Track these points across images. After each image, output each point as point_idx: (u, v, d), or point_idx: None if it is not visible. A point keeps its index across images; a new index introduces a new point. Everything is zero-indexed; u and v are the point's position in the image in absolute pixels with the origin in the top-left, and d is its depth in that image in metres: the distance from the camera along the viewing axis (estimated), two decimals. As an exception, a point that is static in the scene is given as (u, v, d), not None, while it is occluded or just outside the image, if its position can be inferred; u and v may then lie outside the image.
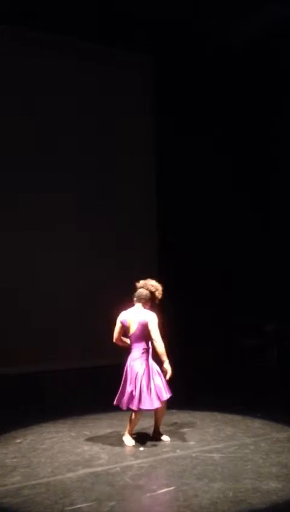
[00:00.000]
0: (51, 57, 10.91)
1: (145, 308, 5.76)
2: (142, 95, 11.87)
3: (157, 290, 5.83)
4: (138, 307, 5.78)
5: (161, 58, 11.71)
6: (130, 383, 5.63)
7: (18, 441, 5.99)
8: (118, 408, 6.88)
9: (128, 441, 5.73)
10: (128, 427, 5.78)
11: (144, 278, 5.92)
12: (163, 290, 5.88)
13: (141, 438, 5.85)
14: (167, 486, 4.59)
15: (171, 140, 11.60)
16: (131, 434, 5.78)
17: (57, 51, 10.97)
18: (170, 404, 5.89)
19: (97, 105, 11.31)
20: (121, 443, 5.75)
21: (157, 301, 5.89)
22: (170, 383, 5.73)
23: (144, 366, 5.62)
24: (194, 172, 11.53)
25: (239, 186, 11.58)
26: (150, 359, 5.68)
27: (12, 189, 10.54)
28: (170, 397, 5.68)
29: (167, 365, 5.55)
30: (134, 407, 5.58)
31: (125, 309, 5.85)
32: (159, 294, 5.84)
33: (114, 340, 5.91)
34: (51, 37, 10.80)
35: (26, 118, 10.66)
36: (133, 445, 5.64)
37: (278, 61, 11.05)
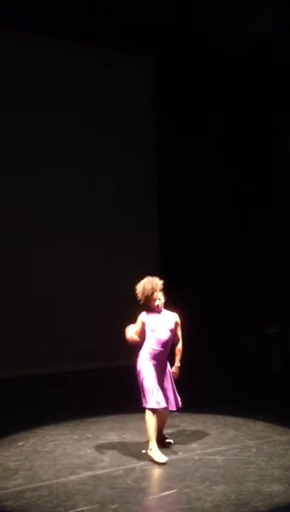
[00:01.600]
0: (52, 59, 10.88)
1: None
2: (143, 97, 11.84)
3: (137, 289, 5.57)
4: None
5: (161, 60, 11.72)
6: None
7: (20, 443, 5.99)
8: (119, 410, 6.92)
9: (158, 456, 5.23)
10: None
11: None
12: (147, 289, 5.49)
13: (144, 442, 5.85)
14: (169, 489, 4.58)
15: (172, 142, 11.61)
16: (157, 442, 5.40)
17: (58, 53, 10.96)
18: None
19: (98, 108, 11.31)
20: (123, 446, 5.75)
21: (143, 301, 5.56)
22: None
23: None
24: (195, 173, 11.52)
25: (241, 187, 11.58)
26: (146, 360, 5.51)
27: (12, 190, 10.55)
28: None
29: None
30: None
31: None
32: (138, 294, 5.55)
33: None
34: (51, 39, 10.77)
35: (26, 118, 10.63)
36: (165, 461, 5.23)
37: (280, 62, 11.01)
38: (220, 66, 11.57)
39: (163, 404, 5.32)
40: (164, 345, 5.50)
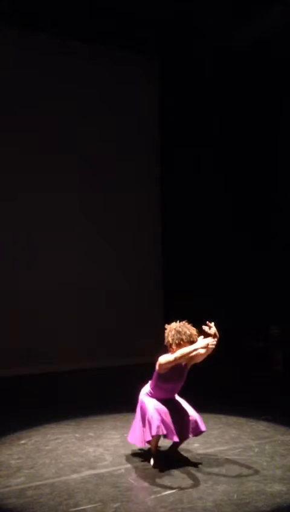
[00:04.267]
0: (52, 58, 10.85)
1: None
2: (145, 98, 11.83)
3: (167, 330, 5.15)
4: None
5: (164, 61, 11.73)
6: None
7: (22, 442, 6.00)
8: (122, 409, 6.87)
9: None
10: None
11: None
12: (176, 336, 5.02)
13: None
14: (171, 488, 4.58)
15: (175, 144, 11.63)
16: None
17: (60, 53, 10.93)
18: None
19: (99, 111, 11.26)
20: (125, 444, 5.75)
21: (169, 346, 5.08)
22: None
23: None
24: (198, 177, 11.56)
25: (244, 191, 11.58)
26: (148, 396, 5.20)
27: (12, 190, 10.54)
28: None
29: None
30: None
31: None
32: (166, 336, 5.11)
33: None
34: (50, 38, 10.75)
35: (26, 119, 10.64)
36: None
37: (283, 63, 10.96)
38: (223, 67, 11.55)
39: (163, 431, 4.88)
40: (173, 393, 5.21)
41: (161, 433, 4.91)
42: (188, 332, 5.02)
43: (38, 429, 6.44)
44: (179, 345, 4.98)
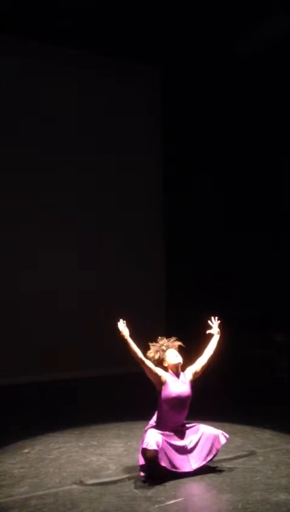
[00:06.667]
0: (54, 68, 10.94)
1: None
2: (148, 108, 11.91)
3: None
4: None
5: (167, 70, 11.76)
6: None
7: (26, 450, 5.97)
8: (125, 418, 6.82)
9: None
10: None
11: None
12: (156, 346, 5.21)
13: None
14: (175, 497, 4.54)
15: (178, 145, 11.64)
16: None
17: (62, 62, 11.03)
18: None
19: (100, 124, 11.32)
20: (128, 453, 5.72)
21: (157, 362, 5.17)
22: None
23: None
24: (200, 176, 11.56)
25: (249, 198, 11.57)
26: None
27: (12, 191, 10.55)
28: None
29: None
30: None
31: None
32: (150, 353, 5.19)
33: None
34: (53, 48, 10.85)
35: (27, 122, 10.70)
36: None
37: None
38: (229, 76, 11.55)
39: (152, 446, 4.77)
40: (180, 412, 5.16)
41: (151, 447, 4.78)
42: (162, 341, 5.24)
43: (41, 438, 6.42)
44: (163, 352, 5.19)
